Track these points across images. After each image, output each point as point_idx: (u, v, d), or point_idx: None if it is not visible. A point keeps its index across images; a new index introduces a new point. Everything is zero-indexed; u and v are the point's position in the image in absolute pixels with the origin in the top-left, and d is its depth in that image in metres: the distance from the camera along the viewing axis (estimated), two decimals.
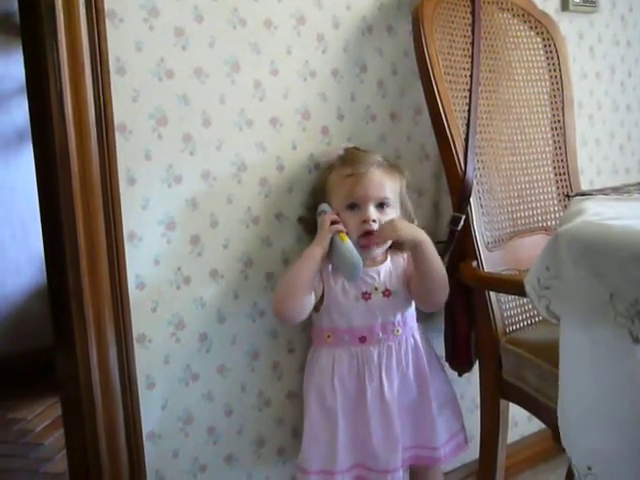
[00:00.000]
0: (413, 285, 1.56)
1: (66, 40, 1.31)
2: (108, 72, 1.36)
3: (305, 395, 1.59)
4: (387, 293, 1.55)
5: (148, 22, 1.41)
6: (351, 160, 1.54)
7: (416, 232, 1.53)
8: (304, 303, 1.49)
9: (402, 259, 1.59)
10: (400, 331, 1.56)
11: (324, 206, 1.54)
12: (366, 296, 1.53)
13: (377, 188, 1.51)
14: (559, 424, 1.12)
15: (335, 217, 1.51)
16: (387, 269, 1.56)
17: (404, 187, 1.60)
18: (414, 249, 1.52)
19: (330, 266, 1.53)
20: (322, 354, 1.56)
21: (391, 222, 1.50)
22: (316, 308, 1.54)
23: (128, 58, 1.39)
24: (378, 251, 1.55)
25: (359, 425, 1.53)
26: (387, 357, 1.54)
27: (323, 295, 1.53)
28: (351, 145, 1.62)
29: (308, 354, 1.62)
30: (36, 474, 2.36)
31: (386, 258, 1.58)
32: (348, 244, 1.47)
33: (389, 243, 1.55)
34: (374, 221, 1.50)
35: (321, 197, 1.57)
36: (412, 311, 1.61)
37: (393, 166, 1.59)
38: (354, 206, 1.51)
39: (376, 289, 1.54)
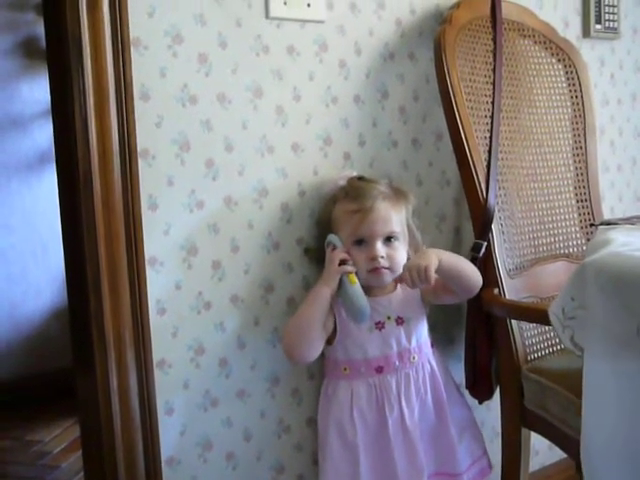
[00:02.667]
0: (444, 287, 1.54)
1: (92, 67, 1.32)
2: (132, 98, 1.37)
3: (323, 429, 1.56)
4: (400, 321, 1.54)
5: (172, 49, 1.42)
6: (356, 194, 1.51)
7: (431, 262, 1.44)
8: (316, 345, 1.48)
9: None
10: (416, 358, 1.55)
11: (333, 238, 1.51)
12: (379, 325, 1.52)
13: (384, 223, 1.49)
14: (582, 460, 1.11)
15: (345, 256, 1.48)
16: (398, 297, 1.55)
17: (410, 213, 1.58)
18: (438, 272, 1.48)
19: (340, 299, 1.51)
20: (339, 387, 1.54)
21: (418, 269, 1.43)
22: (329, 341, 1.53)
23: (152, 84, 1.40)
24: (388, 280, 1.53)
25: (382, 457, 1.51)
26: (406, 385, 1.53)
27: (335, 328, 1.52)
28: (354, 174, 1.59)
29: (322, 387, 1.60)
30: None
31: (396, 286, 1.57)
32: (357, 288, 1.45)
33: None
34: (382, 257, 1.49)
35: (326, 229, 1.55)
36: (426, 337, 1.60)
37: (398, 193, 1.56)
38: (361, 242, 1.50)
39: (389, 318, 1.53)
